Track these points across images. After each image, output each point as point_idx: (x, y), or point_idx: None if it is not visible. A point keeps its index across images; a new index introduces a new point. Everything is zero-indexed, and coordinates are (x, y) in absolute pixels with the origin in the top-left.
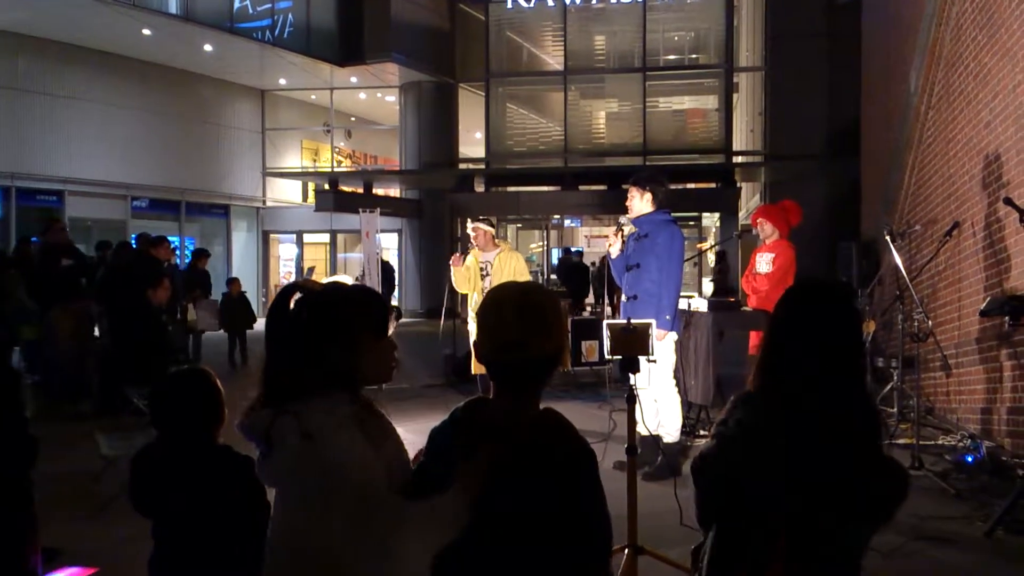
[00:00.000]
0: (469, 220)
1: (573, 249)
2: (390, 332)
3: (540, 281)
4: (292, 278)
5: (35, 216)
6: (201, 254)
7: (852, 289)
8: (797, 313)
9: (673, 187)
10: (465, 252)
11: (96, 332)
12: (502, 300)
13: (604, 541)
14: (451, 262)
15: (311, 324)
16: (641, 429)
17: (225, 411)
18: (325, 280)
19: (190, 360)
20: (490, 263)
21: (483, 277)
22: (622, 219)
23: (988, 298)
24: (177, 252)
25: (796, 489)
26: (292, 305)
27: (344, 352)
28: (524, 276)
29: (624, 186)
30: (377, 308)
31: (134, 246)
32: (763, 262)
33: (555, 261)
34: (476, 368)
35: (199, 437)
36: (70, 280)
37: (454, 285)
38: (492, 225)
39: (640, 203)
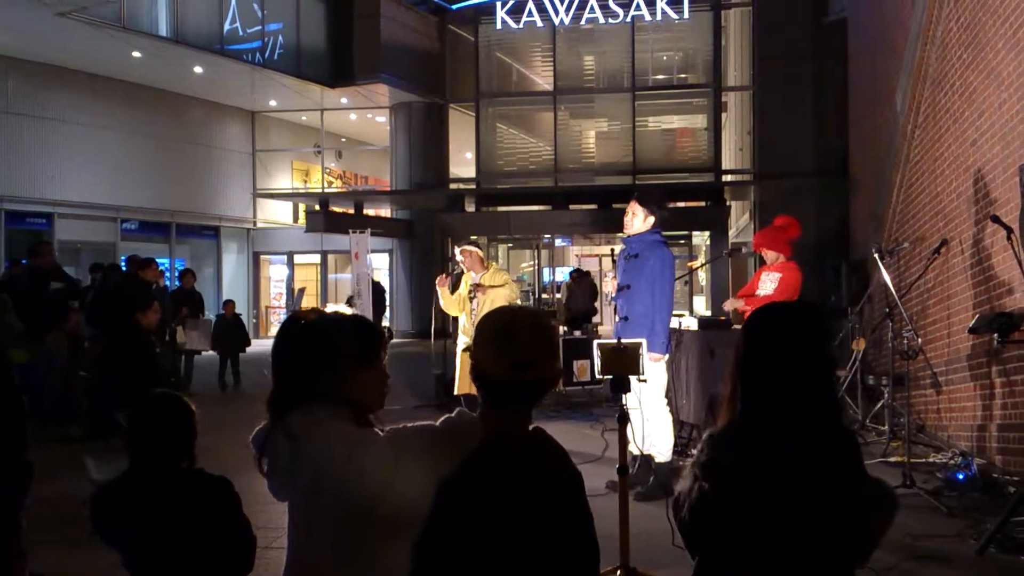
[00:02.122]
0: (456, 247)
1: (571, 269)
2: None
3: (531, 300)
4: (283, 299)
5: (25, 239)
6: (186, 273)
7: (818, 308)
8: (768, 336)
9: None
10: (453, 273)
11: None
12: (516, 320)
13: (591, 564)
14: (437, 283)
15: (301, 350)
16: (633, 449)
17: (196, 434)
18: (328, 309)
19: (181, 382)
20: (479, 284)
21: (471, 298)
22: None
23: (977, 315)
24: (167, 274)
25: (788, 520)
26: (277, 333)
27: (330, 376)
28: (511, 292)
29: (616, 205)
30: (364, 337)
31: (123, 268)
32: (768, 280)
33: (546, 280)
34: (460, 388)
35: (168, 462)
36: (59, 303)
37: (442, 307)
38: (477, 246)
39: (641, 223)
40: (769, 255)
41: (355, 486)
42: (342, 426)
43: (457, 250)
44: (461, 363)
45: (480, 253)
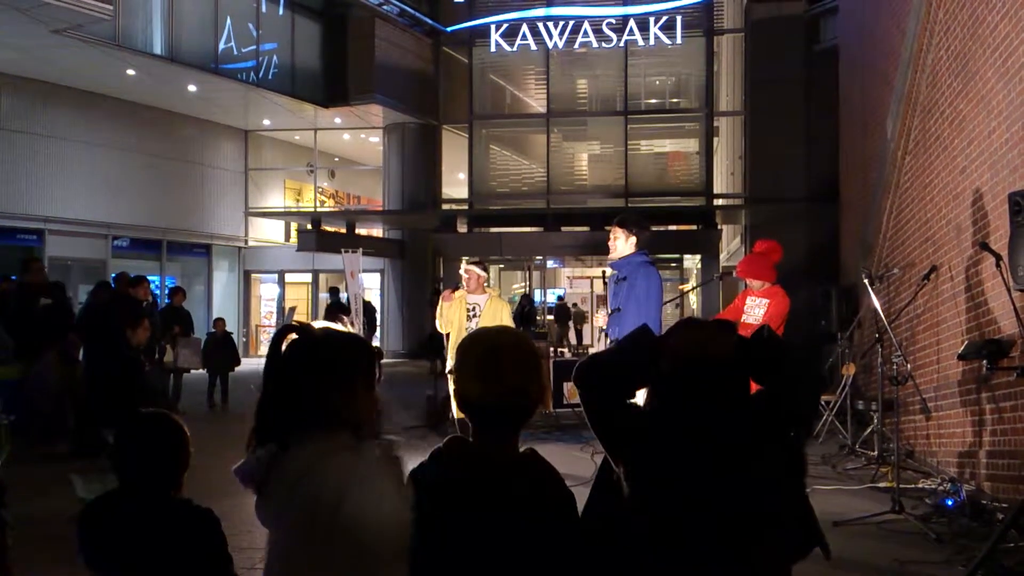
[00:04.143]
0: (464, 260)
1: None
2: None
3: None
4: (273, 318)
5: (15, 255)
6: (176, 291)
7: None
8: None
9: (654, 229)
10: (456, 289)
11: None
12: (500, 347)
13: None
14: (443, 297)
15: (313, 366)
16: None
17: (190, 458)
18: (318, 324)
19: (169, 401)
20: (479, 306)
21: (469, 319)
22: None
23: (966, 342)
24: (157, 292)
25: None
26: (287, 346)
27: (343, 395)
28: (508, 323)
29: (608, 228)
30: (370, 358)
31: (112, 286)
32: (756, 307)
33: (536, 302)
34: (459, 412)
35: (156, 489)
36: (49, 320)
37: (437, 324)
38: (485, 270)
39: (624, 245)
40: (755, 284)
41: (362, 519)
42: (350, 458)
43: (463, 266)
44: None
45: (484, 277)
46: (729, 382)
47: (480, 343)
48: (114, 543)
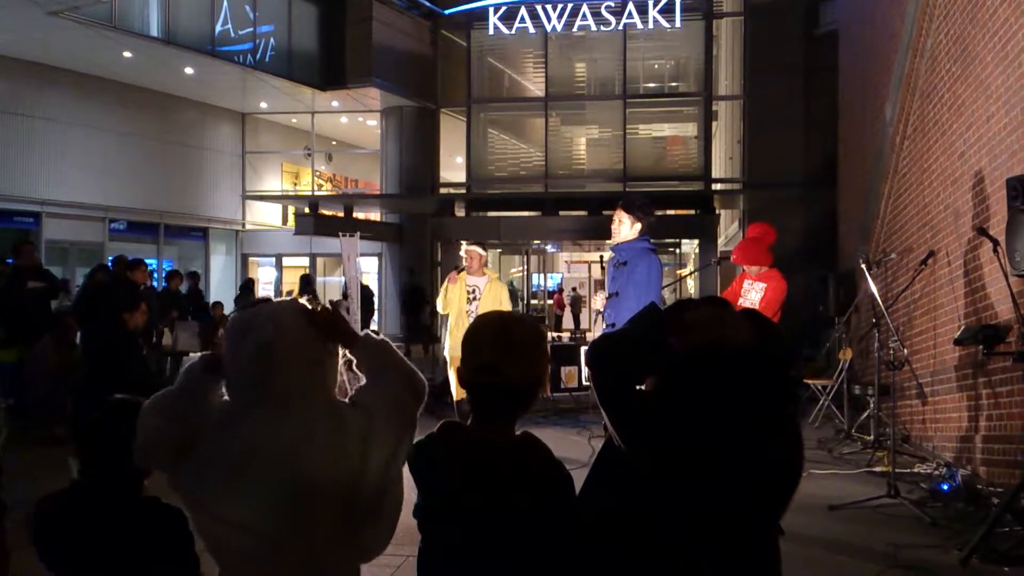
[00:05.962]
0: (464, 242)
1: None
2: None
3: (520, 306)
4: None
5: (12, 238)
6: (174, 275)
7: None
8: None
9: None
10: (460, 271)
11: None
12: (483, 326)
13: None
14: (448, 279)
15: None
16: None
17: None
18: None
19: (166, 384)
20: (479, 288)
21: (470, 301)
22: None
23: (963, 327)
24: (155, 275)
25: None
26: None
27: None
28: (507, 306)
29: (606, 212)
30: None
31: (110, 268)
32: (752, 290)
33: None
34: (459, 394)
35: (121, 483)
36: (38, 302)
37: (438, 305)
38: (484, 250)
39: (627, 229)
40: (752, 269)
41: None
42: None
43: (463, 248)
44: (454, 368)
45: (484, 256)
46: (746, 368)
47: (473, 324)
48: (75, 542)
